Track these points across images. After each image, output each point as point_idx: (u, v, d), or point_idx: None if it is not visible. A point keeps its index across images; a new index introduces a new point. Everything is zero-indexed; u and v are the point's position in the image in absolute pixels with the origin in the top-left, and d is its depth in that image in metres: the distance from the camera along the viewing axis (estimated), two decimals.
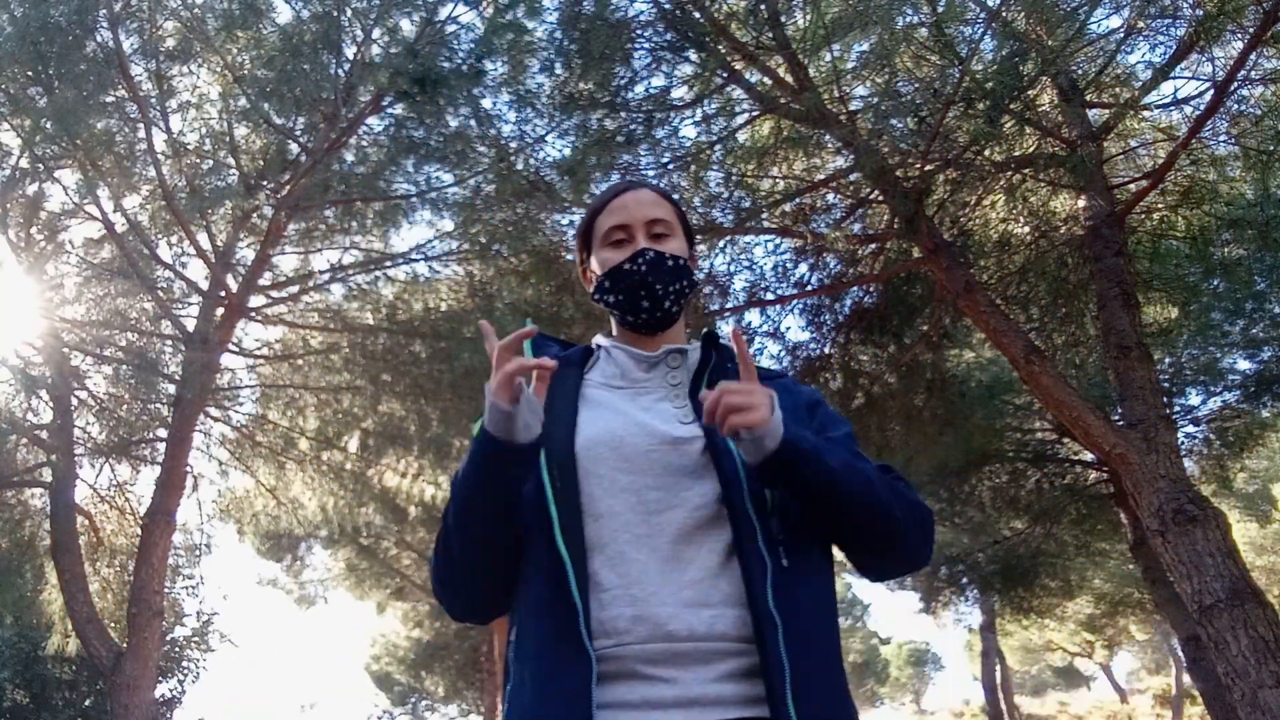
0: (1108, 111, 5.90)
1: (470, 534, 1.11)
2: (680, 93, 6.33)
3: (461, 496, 1.10)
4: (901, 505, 1.15)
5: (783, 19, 5.67)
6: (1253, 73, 5.30)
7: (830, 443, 1.17)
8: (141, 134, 7.07)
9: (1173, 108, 5.95)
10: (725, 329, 1.29)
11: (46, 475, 7.51)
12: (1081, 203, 5.99)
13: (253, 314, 7.95)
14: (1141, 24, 5.21)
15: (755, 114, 6.25)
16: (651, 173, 6.24)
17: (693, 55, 6.04)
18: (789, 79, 5.68)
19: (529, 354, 1.27)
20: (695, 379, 1.23)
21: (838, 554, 1.22)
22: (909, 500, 1.17)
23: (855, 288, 7.10)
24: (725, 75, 5.95)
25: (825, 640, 1.07)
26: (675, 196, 1.47)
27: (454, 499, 1.12)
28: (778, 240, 6.77)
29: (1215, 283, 6.84)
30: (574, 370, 1.28)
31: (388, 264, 7.97)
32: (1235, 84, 5.17)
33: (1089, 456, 8.37)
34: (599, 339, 1.36)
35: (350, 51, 7.13)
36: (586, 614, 1.01)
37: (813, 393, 1.32)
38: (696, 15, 5.72)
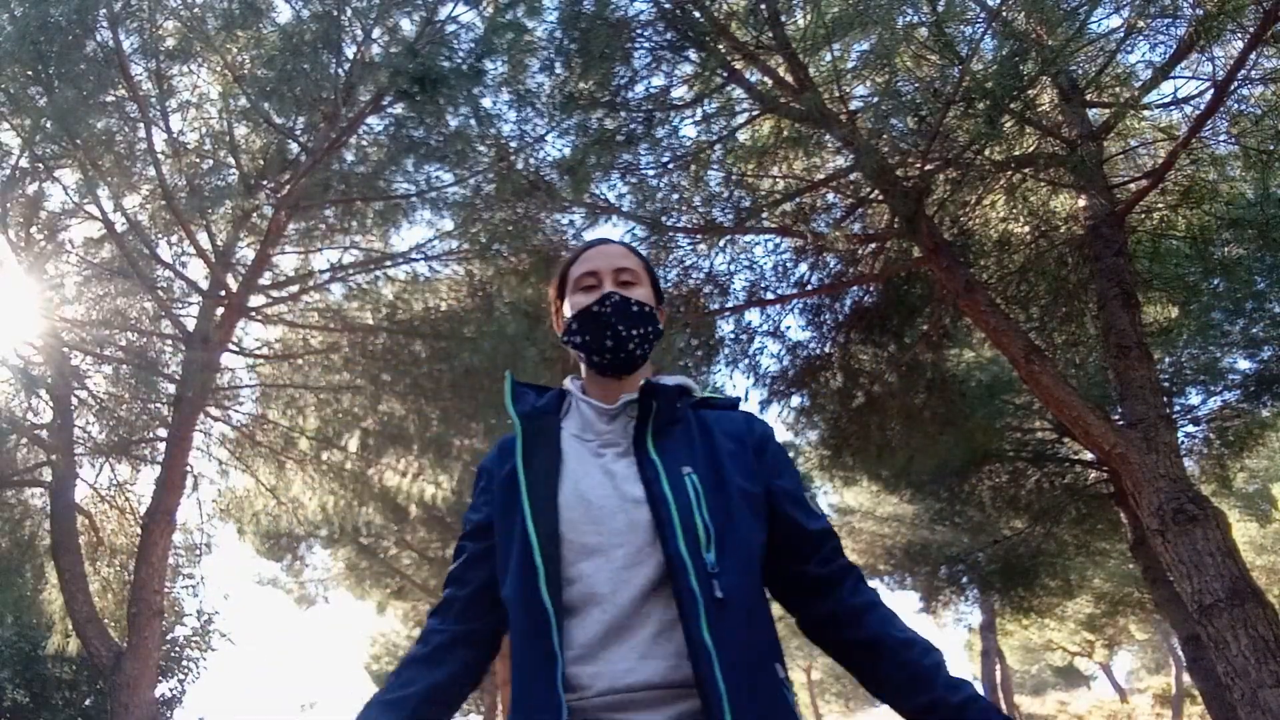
0: (1108, 111, 5.90)
1: None
2: (680, 92, 6.33)
3: None
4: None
5: (783, 18, 5.67)
6: (1253, 72, 5.30)
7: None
8: (141, 134, 7.06)
9: (1173, 107, 5.95)
10: (680, 380, 1.44)
11: (46, 475, 7.50)
12: (1081, 202, 5.99)
13: (253, 314, 7.95)
14: (1141, 23, 5.21)
15: (755, 113, 6.25)
16: (651, 172, 6.24)
17: (693, 55, 6.03)
18: (789, 78, 5.68)
19: (509, 403, 1.34)
20: (638, 432, 1.25)
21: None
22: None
23: (855, 287, 7.10)
24: (725, 75, 5.94)
25: (753, 657, 1.11)
26: (644, 254, 1.57)
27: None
28: (778, 240, 6.77)
29: (1215, 282, 6.84)
30: (552, 419, 1.32)
31: (388, 264, 7.97)
32: (1235, 83, 5.17)
33: (1089, 456, 8.36)
34: (569, 383, 1.39)
35: (350, 51, 7.13)
36: (564, 671, 1.09)
37: (764, 429, 1.35)
38: (696, 15, 5.72)
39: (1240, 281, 6.79)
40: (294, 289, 8.12)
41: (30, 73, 6.15)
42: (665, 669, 1.08)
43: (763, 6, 5.60)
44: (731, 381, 7.41)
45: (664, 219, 6.30)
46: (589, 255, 1.40)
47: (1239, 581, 4.48)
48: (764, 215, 6.48)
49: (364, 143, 7.44)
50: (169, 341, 8.05)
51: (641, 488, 1.19)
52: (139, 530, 7.30)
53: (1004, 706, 20.17)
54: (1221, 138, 5.74)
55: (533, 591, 1.12)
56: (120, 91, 6.77)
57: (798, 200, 6.60)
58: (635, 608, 1.11)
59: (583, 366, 1.39)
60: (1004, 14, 5.23)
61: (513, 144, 6.70)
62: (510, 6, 6.53)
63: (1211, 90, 5.19)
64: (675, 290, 6.71)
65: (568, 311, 1.38)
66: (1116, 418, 5.41)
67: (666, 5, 5.80)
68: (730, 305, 7.00)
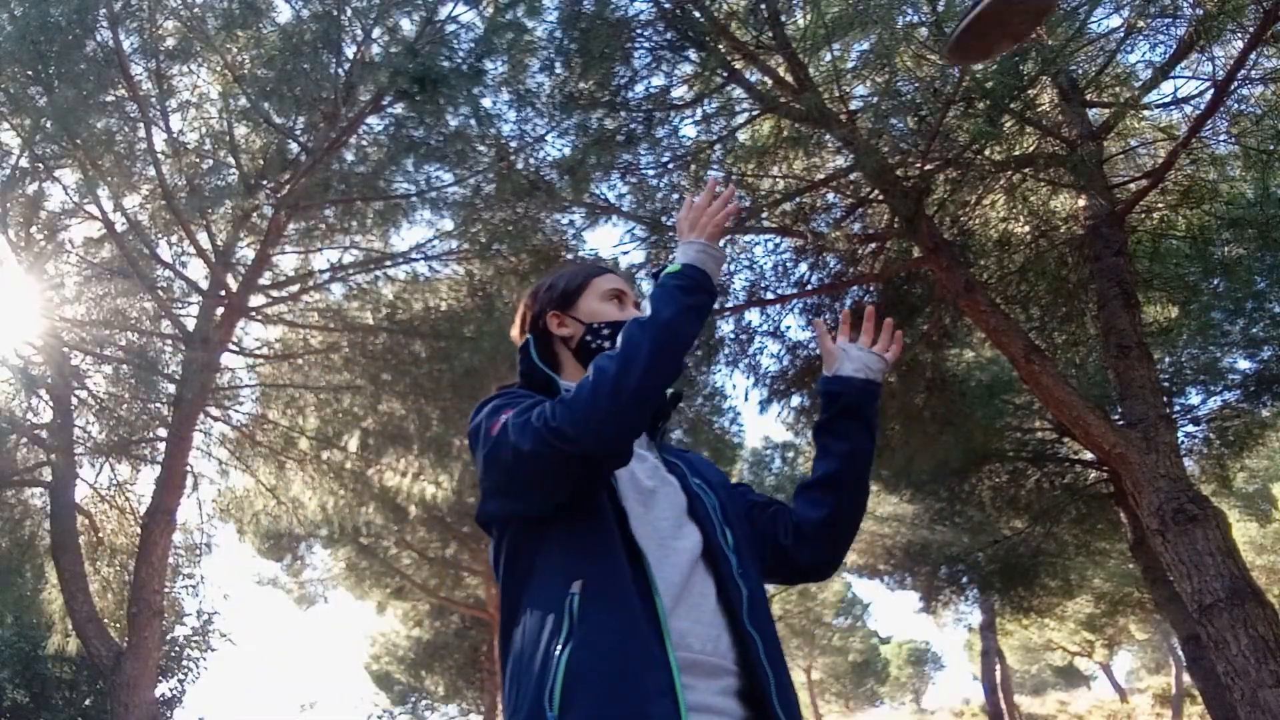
0: (1108, 111, 5.90)
1: (670, 368, 1.22)
2: (680, 92, 6.33)
3: (676, 334, 1.23)
4: None
5: (783, 18, 5.67)
6: (1253, 72, 5.30)
7: None
8: (141, 133, 7.06)
9: (1173, 107, 5.95)
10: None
11: (46, 475, 7.51)
12: (1081, 202, 5.99)
13: (253, 314, 7.95)
14: (1141, 23, 5.21)
15: (755, 113, 6.25)
16: (651, 172, 6.24)
17: (693, 54, 6.03)
18: (789, 78, 5.68)
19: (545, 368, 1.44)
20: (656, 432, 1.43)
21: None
22: None
23: (855, 287, 7.10)
24: (725, 74, 5.94)
25: (780, 648, 1.27)
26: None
27: (661, 338, 1.21)
28: (778, 239, 6.77)
29: (1215, 282, 6.84)
30: None
31: (388, 263, 7.97)
32: (1235, 83, 5.18)
33: (1089, 456, 8.36)
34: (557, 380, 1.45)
35: (350, 51, 7.13)
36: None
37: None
38: (696, 14, 5.72)
39: (1240, 281, 6.79)
40: (294, 289, 8.12)
41: (30, 73, 6.15)
42: (714, 636, 1.19)
43: (763, 6, 5.60)
44: (731, 381, 7.42)
45: (664, 219, 6.30)
46: (617, 278, 1.53)
47: (1239, 581, 4.48)
48: (764, 215, 6.48)
49: (364, 143, 7.44)
50: (169, 341, 8.06)
51: (672, 476, 1.34)
52: (139, 530, 7.30)
53: (1004, 706, 20.16)
54: (1221, 138, 5.75)
55: (625, 530, 1.19)
56: (120, 91, 6.77)
57: (798, 200, 6.59)
58: (685, 577, 1.21)
59: (573, 366, 1.47)
60: None
61: (513, 144, 6.71)
62: (510, 6, 6.53)
63: (1211, 90, 5.19)
64: None
65: (589, 314, 1.47)
66: (1116, 418, 5.41)
67: (666, 5, 5.80)
68: (730, 305, 7.00)
